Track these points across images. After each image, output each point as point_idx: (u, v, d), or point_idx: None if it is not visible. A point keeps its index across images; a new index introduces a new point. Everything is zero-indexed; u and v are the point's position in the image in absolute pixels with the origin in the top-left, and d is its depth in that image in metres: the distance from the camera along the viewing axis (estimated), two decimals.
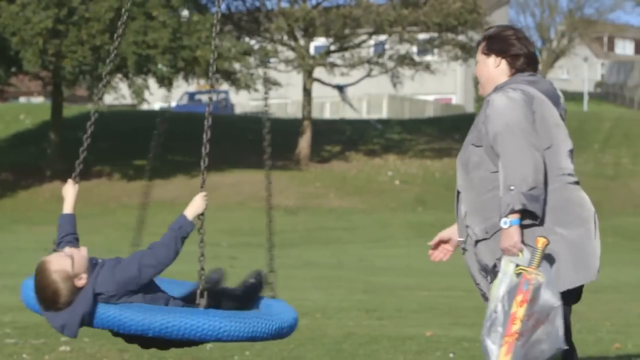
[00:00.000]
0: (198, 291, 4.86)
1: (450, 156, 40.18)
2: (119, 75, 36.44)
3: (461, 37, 40.62)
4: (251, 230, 30.70)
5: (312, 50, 42.83)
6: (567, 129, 5.10)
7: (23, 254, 21.88)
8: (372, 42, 43.09)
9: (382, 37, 42.26)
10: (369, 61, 41.64)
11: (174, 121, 45.25)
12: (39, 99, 63.26)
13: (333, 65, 40.97)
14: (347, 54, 41.46)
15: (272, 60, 40.47)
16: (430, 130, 47.78)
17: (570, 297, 4.98)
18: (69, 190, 5.25)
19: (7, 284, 15.16)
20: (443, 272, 19.48)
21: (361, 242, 28.75)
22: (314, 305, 12.67)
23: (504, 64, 5.17)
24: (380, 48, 43.07)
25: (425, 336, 9.85)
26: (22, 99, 64.77)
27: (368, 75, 42.23)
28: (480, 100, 47.16)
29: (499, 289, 4.78)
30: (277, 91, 40.26)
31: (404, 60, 41.07)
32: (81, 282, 4.74)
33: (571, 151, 5.08)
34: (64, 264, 4.73)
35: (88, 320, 4.73)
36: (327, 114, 57.11)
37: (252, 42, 40.71)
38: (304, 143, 40.99)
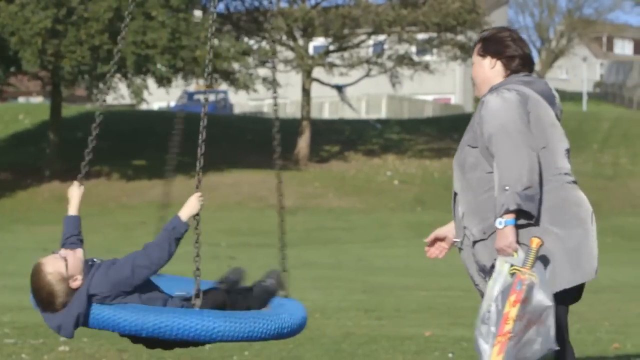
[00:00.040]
0: (193, 291, 4.89)
1: (449, 156, 40.19)
2: (118, 75, 36.43)
3: (460, 37, 40.63)
4: (250, 230, 30.71)
5: (311, 50, 42.84)
6: (563, 129, 5.11)
7: (22, 254, 21.88)
8: (371, 42, 43.10)
9: (381, 37, 42.27)
10: (368, 61, 41.65)
11: (172, 121, 45.25)
12: (38, 99, 63.27)
13: (332, 65, 40.98)
14: (346, 54, 41.46)
15: (271, 60, 40.43)
16: (429, 130, 47.79)
17: (568, 296, 4.98)
18: (74, 192, 5.29)
19: (6, 284, 15.16)
20: (442, 272, 19.48)
21: (360, 242, 28.75)
22: (313, 305, 12.67)
23: (499, 66, 5.18)
24: (379, 48, 43.07)
25: (424, 336, 9.86)
26: (21, 99, 64.78)
27: (367, 75, 42.24)
28: (478, 100, 47.12)
29: (493, 288, 4.79)
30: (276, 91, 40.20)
31: (403, 60, 41.08)
32: (76, 283, 4.81)
33: (568, 150, 5.09)
34: (58, 265, 4.80)
35: (83, 320, 4.79)
36: (326, 114, 57.11)
37: (251, 42, 40.73)
38: (303, 143, 40.99)
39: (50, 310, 4.82)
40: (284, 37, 40.42)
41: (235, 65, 37.72)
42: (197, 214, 4.95)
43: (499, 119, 4.93)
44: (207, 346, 8.48)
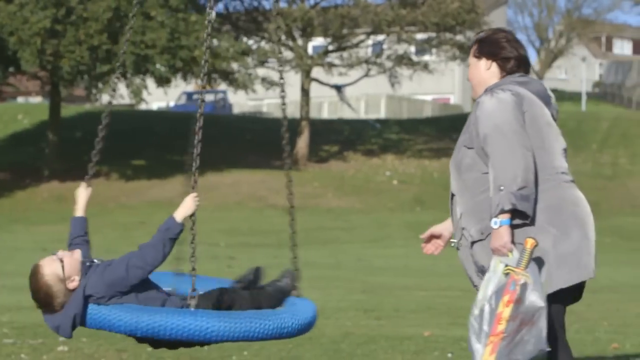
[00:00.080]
0: (189, 291, 4.92)
1: (448, 156, 40.00)
2: (117, 75, 36.37)
3: (459, 37, 40.62)
4: (249, 230, 30.72)
5: (310, 50, 42.83)
6: (559, 129, 5.12)
7: (21, 254, 21.88)
8: (370, 42, 43.09)
9: (380, 37, 42.26)
10: (367, 61, 41.64)
11: (172, 121, 45.26)
12: (37, 99, 63.26)
13: (331, 65, 40.97)
14: (345, 54, 41.45)
15: (270, 60, 40.45)
16: (429, 130, 47.79)
17: (568, 296, 4.99)
18: (82, 193, 5.39)
19: (5, 284, 15.15)
20: (441, 272, 19.49)
21: (359, 242, 28.75)
22: None
23: (494, 67, 5.19)
24: (378, 48, 43.06)
25: (423, 336, 9.86)
26: (20, 99, 64.77)
27: (366, 75, 42.23)
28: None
29: (487, 288, 4.80)
30: (275, 91, 40.25)
31: (402, 60, 41.07)
32: (73, 284, 4.90)
33: (565, 150, 5.10)
34: (54, 267, 4.89)
35: (80, 321, 4.87)
36: (325, 114, 57.11)
37: (250, 42, 40.72)
38: (302, 143, 40.98)
39: (50, 311, 4.91)
40: (283, 37, 40.39)
41: (235, 65, 37.72)
42: (193, 214, 4.98)
43: (494, 119, 4.94)
44: (206, 346, 8.48)
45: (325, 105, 57.93)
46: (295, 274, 5.35)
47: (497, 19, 55.08)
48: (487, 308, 4.77)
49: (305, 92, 41.34)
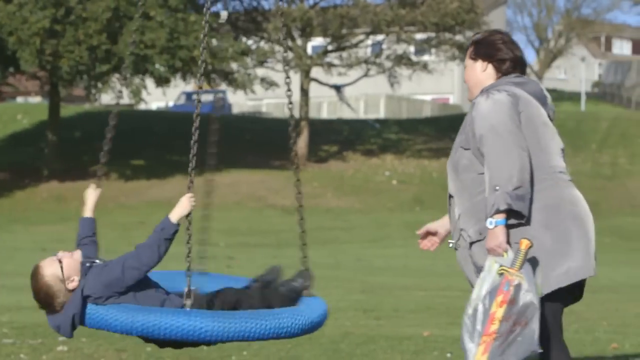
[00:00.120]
0: (185, 291, 4.93)
1: (447, 156, 39.57)
2: (117, 75, 36.42)
3: (458, 37, 40.62)
4: (249, 230, 30.72)
5: (309, 50, 42.83)
6: (556, 129, 5.13)
7: (20, 254, 21.89)
8: (369, 42, 43.08)
9: (380, 37, 42.26)
10: (366, 61, 41.64)
11: (171, 121, 45.26)
12: (36, 99, 63.25)
13: (330, 65, 40.97)
14: (344, 54, 41.45)
15: (269, 60, 40.46)
16: (428, 130, 47.79)
17: (568, 295, 4.99)
18: (91, 194, 5.46)
19: (4, 284, 15.16)
20: (440, 272, 19.49)
21: (359, 242, 28.76)
22: None
23: (490, 69, 5.20)
24: (377, 48, 43.05)
25: (422, 336, 9.86)
26: (20, 99, 64.76)
27: (365, 75, 42.23)
28: None
29: (482, 287, 4.82)
30: (275, 91, 40.24)
31: (402, 60, 41.07)
32: (73, 284, 4.96)
33: (562, 150, 5.10)
34: (53, 268, 4.96)
35: (78, 321, 4.93)
36: (325, 114, 57.11)
37: (250, 42, 40.71)
38: (302, 143, 40.98)
39: (51, 311, 4.99)
40: (282, 37, 40.36)
41: (234, 66, 37.72)
42: (189, 215, 4.98)
43: (489, 120, 4.95)
44: (207, 346, 8.48)
45: (325, 105, 57.93)
46: (309, 274, 5.34)
47: (496, 19, 55.11)
48: (480, 308, 4.78)
49: (304, 92, 41.34)
